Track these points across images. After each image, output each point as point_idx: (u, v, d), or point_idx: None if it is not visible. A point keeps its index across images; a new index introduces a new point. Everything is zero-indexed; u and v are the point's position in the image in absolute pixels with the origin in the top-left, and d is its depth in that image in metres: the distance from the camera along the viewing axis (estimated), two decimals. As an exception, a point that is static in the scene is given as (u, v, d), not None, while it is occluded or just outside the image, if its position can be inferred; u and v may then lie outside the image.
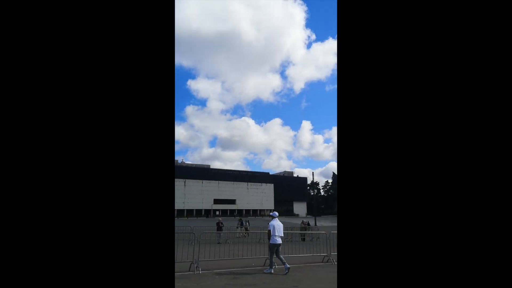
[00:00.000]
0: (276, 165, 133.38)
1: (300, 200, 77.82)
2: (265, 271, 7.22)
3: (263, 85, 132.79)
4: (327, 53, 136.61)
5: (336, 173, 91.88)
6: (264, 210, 68.41)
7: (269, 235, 7.45)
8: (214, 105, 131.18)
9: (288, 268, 7.10)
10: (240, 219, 22.53)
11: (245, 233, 17.03)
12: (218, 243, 12.52)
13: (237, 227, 19.29)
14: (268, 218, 7.85)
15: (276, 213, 8.02)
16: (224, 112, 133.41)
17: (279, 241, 7.44)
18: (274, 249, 7.32)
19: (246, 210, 68.31)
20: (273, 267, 7.25)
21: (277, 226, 7.53)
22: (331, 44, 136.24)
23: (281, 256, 7.39)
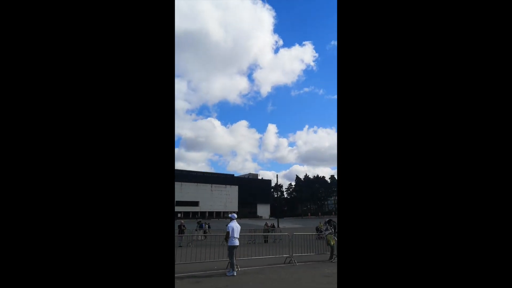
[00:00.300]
0: (241, 167, 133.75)
1: (264, 202, 78.44)
2: (227, 273, 7.15)
3: (230, 86, 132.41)
4: (293, 59, 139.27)
5: (298, 175, 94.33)
6: (228, 212, 67.92)
7: (227, 236, 7.44)
8: (179, 104, 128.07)
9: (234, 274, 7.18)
10: (199, 221, 21.71)
11: (203, 236, 16.64)
12: (180, 246, 12.19)
13: (195, 230, 18.68)
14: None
15: (235, 215, 8.05)
16: (189, 112, 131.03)
17: (238, 242, 7.48)
18: (233, 250, 7.30)
19: (209, 212, 67.45)
20: (236, 269, 7.21)
21: (236, 228, 7.54)
22: (298, 51, 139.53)
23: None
